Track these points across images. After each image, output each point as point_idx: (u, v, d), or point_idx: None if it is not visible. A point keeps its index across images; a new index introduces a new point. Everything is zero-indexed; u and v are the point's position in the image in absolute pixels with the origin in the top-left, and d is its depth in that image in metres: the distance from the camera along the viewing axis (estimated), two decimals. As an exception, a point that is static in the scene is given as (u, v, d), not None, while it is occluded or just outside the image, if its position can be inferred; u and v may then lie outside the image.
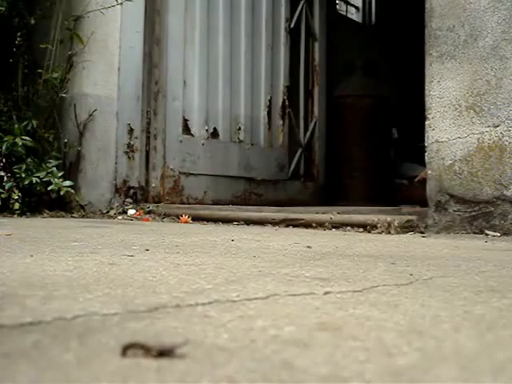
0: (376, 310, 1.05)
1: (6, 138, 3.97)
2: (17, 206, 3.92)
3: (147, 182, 4.59)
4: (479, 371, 0.70)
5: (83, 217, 4.13)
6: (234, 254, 1.90)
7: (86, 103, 4.38)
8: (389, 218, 3.21)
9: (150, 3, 4.62)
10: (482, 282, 1.42)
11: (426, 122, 3.23)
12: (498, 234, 2.94)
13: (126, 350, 0.74)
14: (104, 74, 4.39)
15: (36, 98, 4.32)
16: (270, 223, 3.63)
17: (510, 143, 2.99)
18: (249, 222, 3.75)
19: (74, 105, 4.37)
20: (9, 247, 1.94)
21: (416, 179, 4.19)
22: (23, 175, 3.95)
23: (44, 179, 3.98)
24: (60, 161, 4.22)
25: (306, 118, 6.02)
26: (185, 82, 4.82)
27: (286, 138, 5.70)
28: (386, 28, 7.89)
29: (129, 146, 4.44)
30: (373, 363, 0.73)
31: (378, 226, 3.20)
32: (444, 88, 3.18)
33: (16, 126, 4.04)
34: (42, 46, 4.31)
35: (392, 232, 3.13)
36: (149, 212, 4.26)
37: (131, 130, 4.46)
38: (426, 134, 3.22)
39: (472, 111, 3.09)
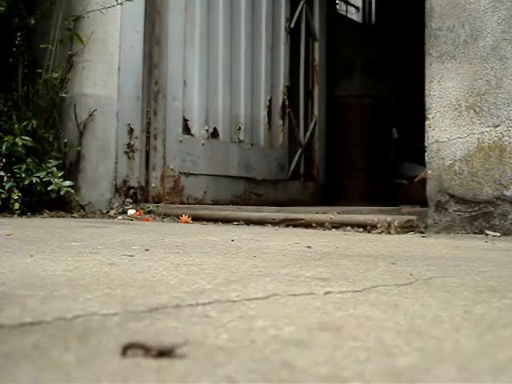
0: (376, 310, 1.05)
1: (6, 138, 3.97)
2: (17, 206, 3.92)
3: (147, 182, 4.59)
4: (479, 371, 0.70)
5: (83, 217, 4.13)
6: (234, 254, 1.90)
7: (85, 103, 4.38)
8: (389, 218, 3.21)
9: (149, 3, 4.62)
10: (482, 282, 1.42)
11: (426, 122, 3.23)
12: (498, 234, 2.94)
13: (126, 350, 0.74)
14: (104, 74, 4.38)
15: (36, 98, 4.32)
16: (270, 223, 3.63)
17: (510, 143, 2.99)
18: (249, 222, 3.75)
19: (74, 105, 4.37)
20: (9, 247, 1.94)
21: (416, 179, 4.19)
22: (23, 175, 3.95)
23: (44, 179, 3.98)
24: (60, 161, 4.22)
25: (306, 117, 6.02)
26: (185, 81, 4.82)
27: (286, 138, 5.70)
28: (386, 28, 7.89)
29: (129, 145, 4.44)
30: (373, 363, 0.73)
31: (378, 225, 3.20)
32: (444, 88, 3.17)
33: (16, 126, 4.03)
34: (41, 45, 4.31)
35: (392, 232, 3.13)
36: (149, 212, 4.26)
37: (131, 130, 4.46)
38: (426, 134, 3.22)
39: (472, 111, 3.09)
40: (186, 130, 4.83)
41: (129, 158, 4.44)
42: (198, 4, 4.93)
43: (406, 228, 3.18)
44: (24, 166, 3.98)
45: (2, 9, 4.14)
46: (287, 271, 1.51)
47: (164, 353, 0.73)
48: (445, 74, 3.18)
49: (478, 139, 3.06)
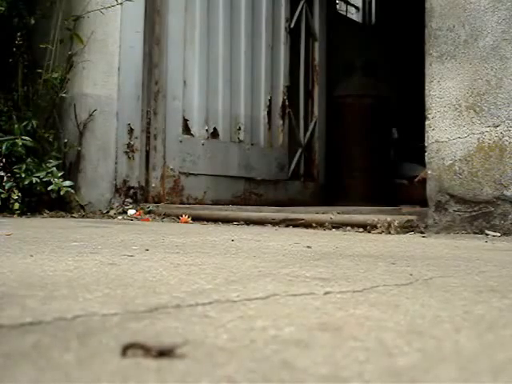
0: (376, 310, 1.05)
1: (6, 138, 3.97)
2: (17, 205, 3.92)
3: (147, 182, 4.59)
4: (479, 371, 0.70)
5: (83, 217, 4.13)
6: (234, 254, 1.90)
7: (85, 103, 4.38)
8: (389, 218, 3.21)
9: (149, 3, 4.62)
10: (482, 282, 1.42)
11: (426, 122, 3.22)
12: (498, 234, 2.94)
13: (126, 350, 0.74)
14: (104, 74, 4.38)
15: (36, 98, 4.32)
16: (270, 223, 3.63)
17: (510, 143, 2.99)
18: (249, 222, 3.75)
19: (74, 105, 4.37)
20: (9, 247, 1.94)
21: (416, 179, 4.19)
22: (23, 175, 3.95)
23: (44, 179, 3.98)
24: (60, 161, 4.22)
25: (306, 118, 6.02)
26: (185, 81, 4.82)
27: (286, 138, 5.70)
28: (386, 28, 7.89)
29: (129, 145, 4.44)
30: (373, 363, 0.73)
31: (378, 225, 3.20)
32: (444, 88, 3.17)
33: (16, 126, 4.03)
34: (41, 45, 4.31)
35: (392, 232, 3.13)
36: (149, 212, 4.26)
37: (131, 130, 4.46)
38: (426, 134, 3.22)
39: (472, 111, 3.09)
40: (186, 129, 4.83)
41: (129, 157, 4.44)
42: (197, 4, 4.93)
43: (406, 228, 3.18)
44: (24, 166, 3.98)
45: (2, 9, 4.14)
46: (287, 271, 1.51)
47: (164, 353, 0.73)
48: (445, 74, 3.18)
49: (478, 139, 3.06)
